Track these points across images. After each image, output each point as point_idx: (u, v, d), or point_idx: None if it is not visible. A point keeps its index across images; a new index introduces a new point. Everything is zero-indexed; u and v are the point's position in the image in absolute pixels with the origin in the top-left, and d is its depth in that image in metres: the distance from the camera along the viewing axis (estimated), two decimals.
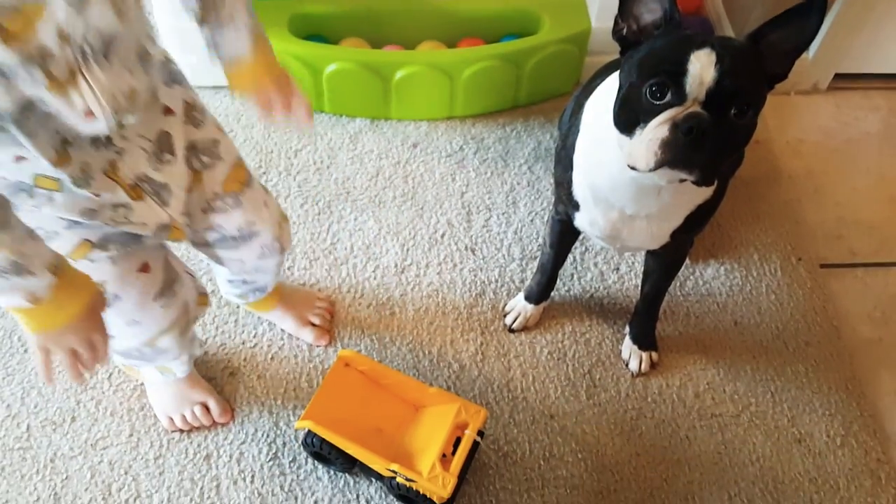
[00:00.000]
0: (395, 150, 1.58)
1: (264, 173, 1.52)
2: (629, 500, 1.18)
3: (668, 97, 0.85)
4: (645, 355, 1.30)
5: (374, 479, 1.16)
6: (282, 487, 1.16)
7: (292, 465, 1.18)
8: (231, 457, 1.18)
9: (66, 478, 1.15)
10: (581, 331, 1.35)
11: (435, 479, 1.04)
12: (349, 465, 1.14)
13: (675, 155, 0.84)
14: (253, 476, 1.17)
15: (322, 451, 1.12)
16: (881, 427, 1.28)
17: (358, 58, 1.54)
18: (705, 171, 0.86)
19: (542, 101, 1.68)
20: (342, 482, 1.17)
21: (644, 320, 1.31)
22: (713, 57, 0.83)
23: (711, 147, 0.84)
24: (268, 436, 1.21)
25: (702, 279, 1.43)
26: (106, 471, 1.16)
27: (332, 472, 1.17)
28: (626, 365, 1.31)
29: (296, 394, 1.25)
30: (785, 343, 1.36)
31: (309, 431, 1.12)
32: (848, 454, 1.24)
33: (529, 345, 1.33)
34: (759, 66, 0.87)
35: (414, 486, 1.06)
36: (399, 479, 1.07)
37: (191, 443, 1.19)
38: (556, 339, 1.34)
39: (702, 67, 0.83)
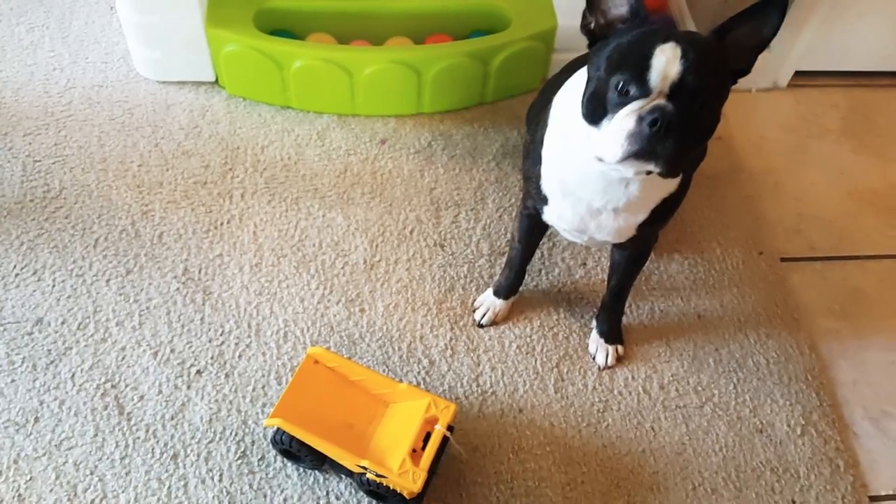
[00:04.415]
0: (363, 147, 1.58)
1: (231, 169, 1.51)
2: (596, 492, 1.19)
3: (634, 90, 0.87)
4: (611, 349, 1.32)
5: (344, 476, 1.16)
6: (251, 486, 1.16)
7: (261, 463, 1.18)
8: (199, 456, 1.18)
9: (30, 479, 1.14)
10: (549, 325, 1.37)
11: (405, 475, 1.05)
12: (319, 461, 1.14)
13: (640, 146, 0.86)
14: (221, 475, 1.16)
15: (291, 449, 1.12)
16: (840, 417, 1.32)
17: (325, 54, 1.54)
18: (670, 161, 0.88)
19: (510, 97, 1.69)
20: (311, 479, 1.16)
21: (610, 314, 1.32)
22: (678, 51, 0.85)
23: (676, 138, 0.86)
24: (236, 434, 1.20)
25: (666, 273, 1.45)
26: (71, 471, 1.15)
27: (301, 470, 1.17)
28: (593, 358, 1.33)
29: (264, 391, 1.24)
30: (746, 335, 1.39)
31: (278, 429, 1.12)
32: (808, 443, 1.27)
33: (498, 339, 1.34)
34: (723, 60, 0.90)
35: (384, 482, 1.07)
36: (369, 475, 1.07)
37: (157, 442, 1.18)
38: (524, 334, 1.35)
39: (666, 61, 0.85)
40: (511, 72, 1.62)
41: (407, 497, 1.08)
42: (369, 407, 1.16)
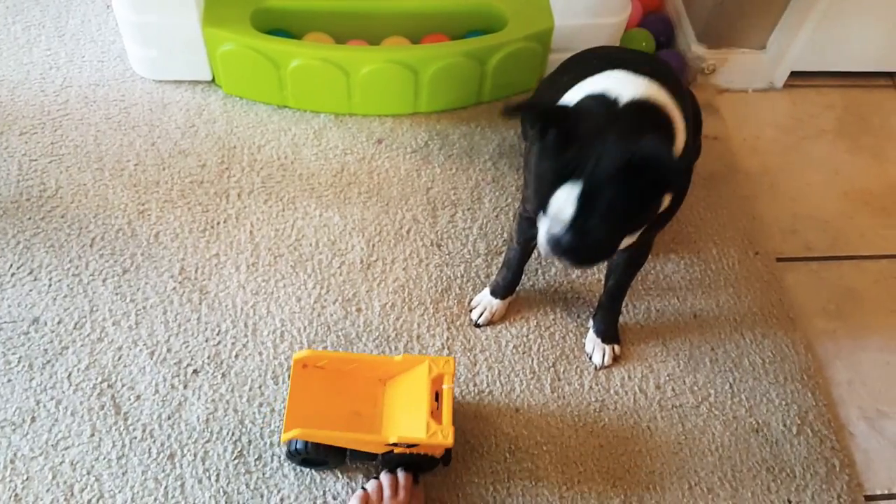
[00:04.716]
0: (360, 146, 1.58)
1: (227, 169, 1.51)
2: (592, 491, 1.20)
3: (542, 215, 0.97)
4: (608, 348, 1.32)
5: (364, 463, 1.17)
6: (247, 485, 1.16)
7: (258, 462, 1.18)
8: (195, 455, 1.18)
9: (27, 479, 1.13)
10: (545, 325, 1.37)
11: (435, 435, 1.07)
12: (340, 458, 1.14)
13: (554, 255, 0.98)
14: (218, 474, 1.16)
15: (311, 455, 1.12)
16: (835, 416, 1.32)
17: (322, 53, 1.53)
18: (586, 264, 1.06)
19: (506, 97, 1.69)
20: (308, 479, 1.17)
21: (607, 314, 1.33)
22: (571, 199, 0.90)
23: (581, 252, 0.97)
24: (233, 434, 1.20)
25: (662, 273, 1.46)
26: (68, 471, 1.15)
27: (298, 470, 1.17)
28: (590, 358, 1.33)
29: (261, 391, 1.24)
30: (742, 335, 1.39)
31: (292, 441, 1.11)
32: (804, 443, 1.28)
33: (495, 339, 1.34)
34: (635, 185, 0.90)
35: (415, 451, 1.09)
36: (398, 450, 1.09)
37: (154, 442, 1.18)
38: (521, 334, 1.35)
39: (559, 208, 0.92)
40: (508, 72, 1.62)
41: (439, 456, 1.11)
42: (368, 390, 1.17)
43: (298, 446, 1.11)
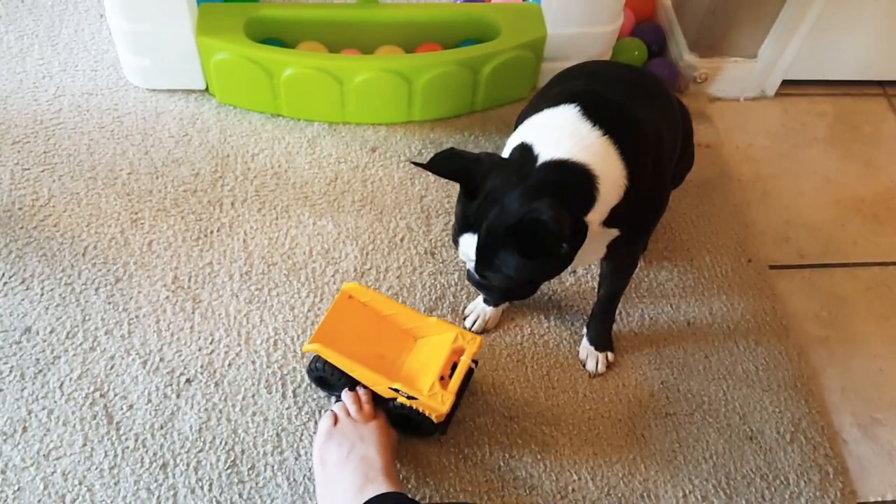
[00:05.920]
0: (354, 155, 1.58)
1: (221, 178, 1.51)
2: (587, 500, 1.19)
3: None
4: (601, 356, 1.33)
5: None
6: (240, 495, 1.15)
7: (251, 472, 1.17)
8: (188, 465, 1.17)
9: (18, 489, 1.13)
10: (539, 333, 1.37)
11: (434, 396, 1.11)
12: (351, 388, 1.19)
13: (473, 285, 1.09)
14: (211, 484, 1.16)
15: (326, 375, 1.19)
16: (829, 423, 1.32)
17: (315, 62, 1.54)
18: (501, 300, 1.29)
19: (500, 106, 1.70)
20: (302, 489, 1.16)
21: (601, 322, 1.33)
22: (474, 243, 0.97)
23: (491, 292, 1.08)
24: (226, 443, 1.19)
25: (656, 281, 1.46)
26: (59, 482, 1.14)
27: (291, 479, 1.17)
28: (584, 366, 1.33)
29: (254, 400, 1.24)
30: (736, 342, 1.40)
31: (314, 357, 1.18)
32: (797, 450, 1.28)
33: (489, 347, 1.34)
34: (523, 246, 0.94)
35: (414, 405, 1.12)
36: (400, 399, 1.13)
37: (146, 452, 1.17)
38: (515, 342, 1.35)
39: (464, 251, 1.00)
40: (501, 81, 1.63)
41: (435, 420, 1.13)
42: (399, 340, 1.22)
43: (316, 364, 1.19)
